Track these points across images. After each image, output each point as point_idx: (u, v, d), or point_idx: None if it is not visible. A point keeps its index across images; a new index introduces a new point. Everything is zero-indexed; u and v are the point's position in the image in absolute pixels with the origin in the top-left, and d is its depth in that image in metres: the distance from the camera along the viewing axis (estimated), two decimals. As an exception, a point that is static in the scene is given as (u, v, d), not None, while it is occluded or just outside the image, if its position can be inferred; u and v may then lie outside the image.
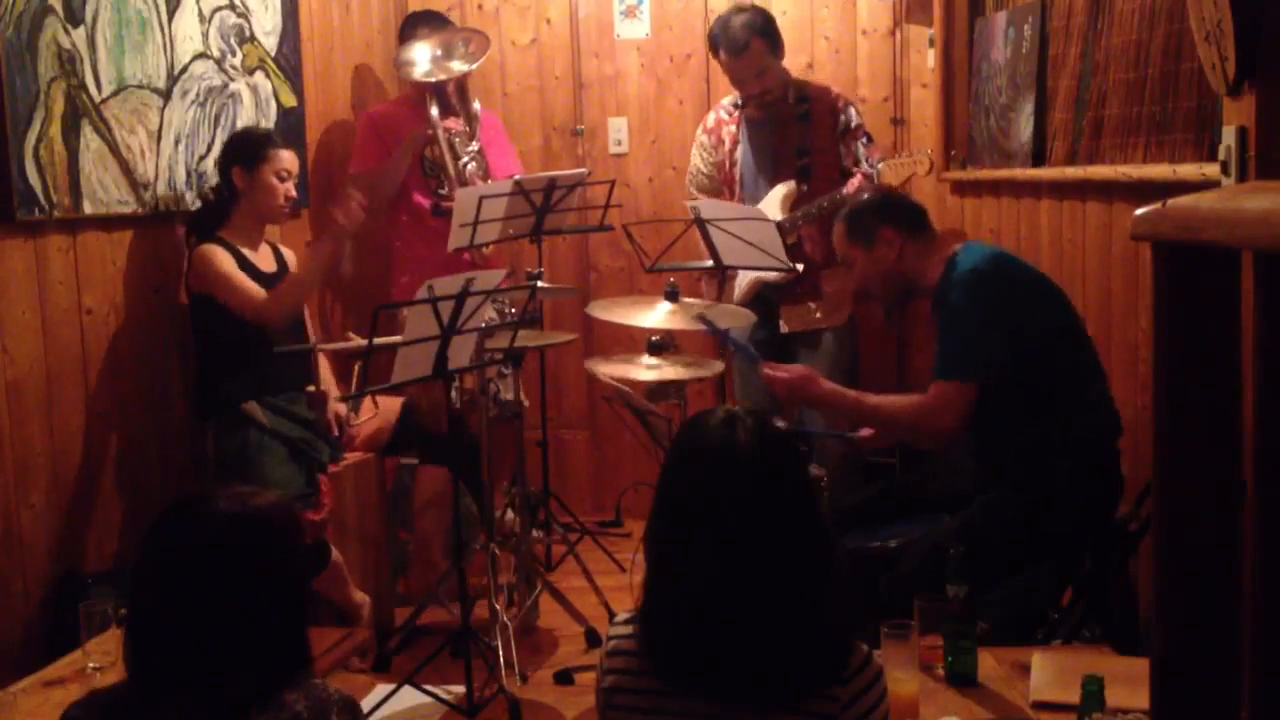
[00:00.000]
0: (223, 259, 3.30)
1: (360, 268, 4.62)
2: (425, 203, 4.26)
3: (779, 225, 4.00)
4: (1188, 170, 2.62)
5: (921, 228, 2.98)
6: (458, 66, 4.18)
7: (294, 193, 3.46)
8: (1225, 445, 1.14)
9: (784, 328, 4.13)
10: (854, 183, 3.95)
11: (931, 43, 4.65)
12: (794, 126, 4.12)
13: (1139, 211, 1.18)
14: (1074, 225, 3.37)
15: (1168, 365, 1.16)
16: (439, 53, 4.18)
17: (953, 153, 4.49)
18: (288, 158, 3.44)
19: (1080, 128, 3.32)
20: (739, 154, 4.22)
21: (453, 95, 4.28)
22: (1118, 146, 3.07)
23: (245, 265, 3.34)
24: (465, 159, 4.24)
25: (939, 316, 2.88)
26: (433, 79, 4.17)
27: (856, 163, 4.08)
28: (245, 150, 3.39)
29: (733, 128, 4.24)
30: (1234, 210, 1.04)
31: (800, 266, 3.90)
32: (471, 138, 4.29)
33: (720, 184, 4.29)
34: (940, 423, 2.81)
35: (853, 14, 4.86)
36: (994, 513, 2.77)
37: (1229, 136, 2.25)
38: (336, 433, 3.51)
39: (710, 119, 4.34)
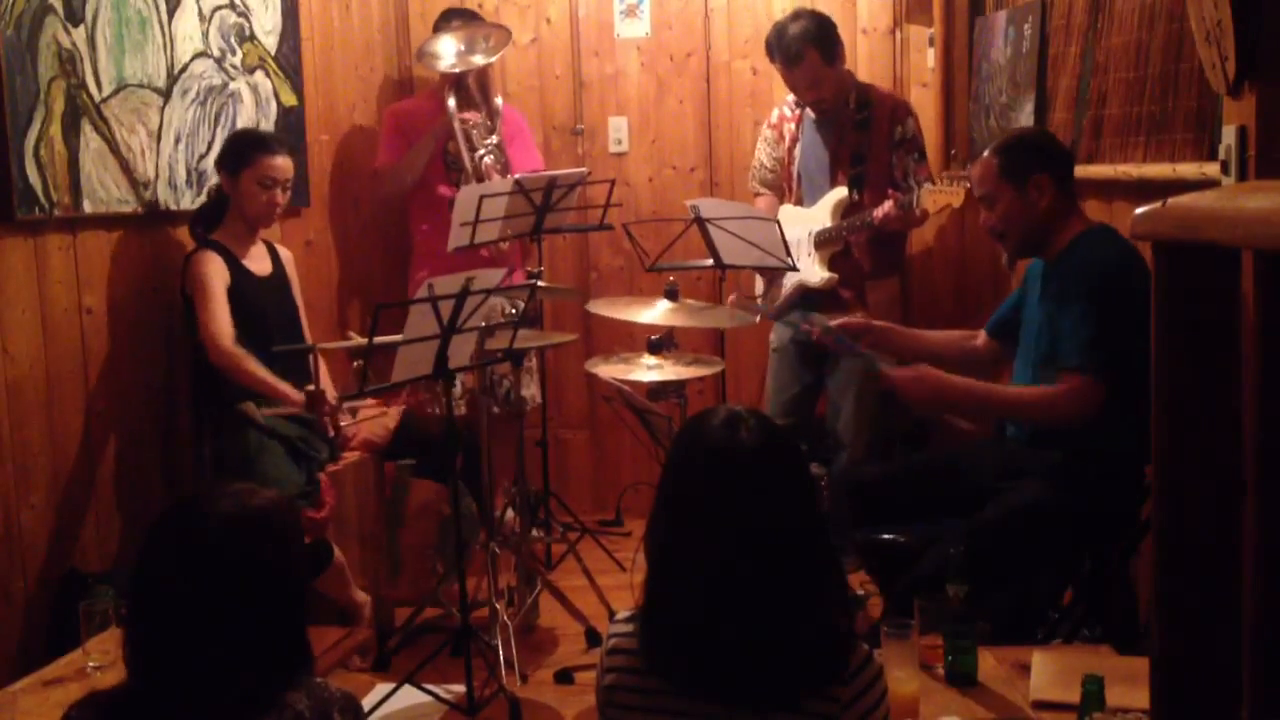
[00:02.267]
0: (211, 273, 3.25)
1: (381, 263, 4.65)
2: (448, 195, 4.27)
3: (823, 234, 3.98)
4: (1188, 170, 2.62)
5: (1070, 185, 2.87)
6: (478, 60, 4.22)
7: (281, 199, 3.39)
8: (1225, 445, 1.14)
9: None
10: (886, 206, 3.80)
11: (931, 42, 4.64)
12: (852, 133, 4.05)
13: (1139, 211, 1.18)
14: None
15: (1168, 365, 1.16)
16: (462, 47, 4.22)
17: (953, 153, 4.49)
18: (276, 165, 3.34)
19: (1080, 127, 3.32)
20: (798, 152, 4.19)
21: (473, 89, 4.29)
22: (1118, 146, 3.07)
23: (237, 270, 3.33)
24: (482, 151, 4.25)
25: (1058, 288, 2.79)
26: (455, 71, 4.20)
27: (905, 176, 3.95)
28: (230, 154, 3.36)
29: (793, 125, 4.21)
30: (1234, 210, 1.04)
31: (799, 267, 3.89)
32: (491, 132, 4.31)
33: (781, 179, 4.26)
34: (1070, 417, 2.72)
35: (853, 14, 4.86)
36: (1009, 512, 2.76)
37: (1229, 136, 2.24)
38: (332, 433, 3.51)
39: (774, 114, 4.31)
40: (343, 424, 3.57)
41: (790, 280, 4.07)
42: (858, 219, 3.93)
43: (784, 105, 4.28)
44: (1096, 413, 2.70)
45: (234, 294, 3.30)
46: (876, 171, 4.02)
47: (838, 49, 4.01)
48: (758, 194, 4.34)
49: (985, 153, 2.94)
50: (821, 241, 4.00)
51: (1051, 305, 2.83)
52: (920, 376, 2.89)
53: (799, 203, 4.16)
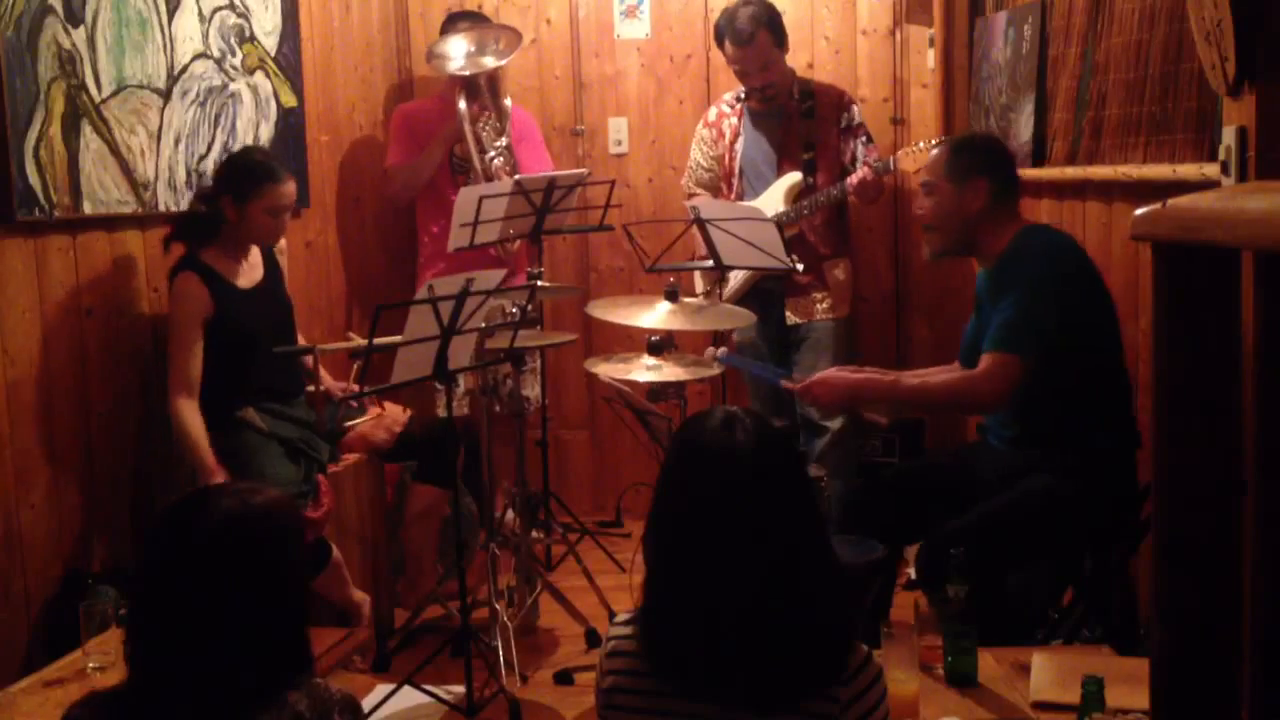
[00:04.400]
0: (186, 311, 3.16)
1: (382, 263, 4.66)
2: (454, 198, 4.27)
3: (783, 216, 4.02)
4: (1188, 170, 2.62)
5: (1010, 196, 2.95)
6: (489, 61, 4.24)
7: (286, 223, 3.35)
8: (1225, 445, 1.14)
9: (790, 319, 4.17)
10: (861, 172, 3.98)
11: (931, 43, 4.64)
12: (799, 121, 4.16)
13: (1139, 211, 1.18)
14: (1074, 225, 3.37)
15: (1168, 365, 1.16)
16: (472, 49, 4.24)
17: (952, 153, 4.49)
18: (285, 193, 3.26)
19: (1080, 128, 3.32)
20: (739, 146, 4.26)
21: (484, 90, 4.30)
22: (1118, 146, 3.07)
23: (222, 292, 3.22)
24: (491, 153, 4.26)
25: (997, 289, 2.86)
26: (465, 73, 4.21)
27: (854, 161, 4.12)
28: (238, 182, 3.23)
29: (734, 120, 4.27)
30: (1234, 210, 1.04)
31: (800, 266, 3.90)
32: (500, 133, 4.31)
33: (720, 178, 4.31)
34: (986, 395, 2.79)
35: (853, 14, 4.86)
36: (1013, 500, 2.77)
37: (1229, 136, 2.25)
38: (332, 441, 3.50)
39: (711, 113, 4.38)
40: (345, 427, 3.57)
41: (740, 272, 4.09)
42: (821, 195, 4.05)
43: (720, 104, 4.37)
44: (1013, 390, 2.76)
45: (218, 321, 3.20)
46: (827, 157, 4.15)
47: (785, 36, 4.14)
48: (692, 194, 4.36)
49: (943, 145, 3.01)
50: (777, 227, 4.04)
51: (994, 308, 2.88)
52: (824, 379, 2.97)
53: (740, 197, 4.21)
